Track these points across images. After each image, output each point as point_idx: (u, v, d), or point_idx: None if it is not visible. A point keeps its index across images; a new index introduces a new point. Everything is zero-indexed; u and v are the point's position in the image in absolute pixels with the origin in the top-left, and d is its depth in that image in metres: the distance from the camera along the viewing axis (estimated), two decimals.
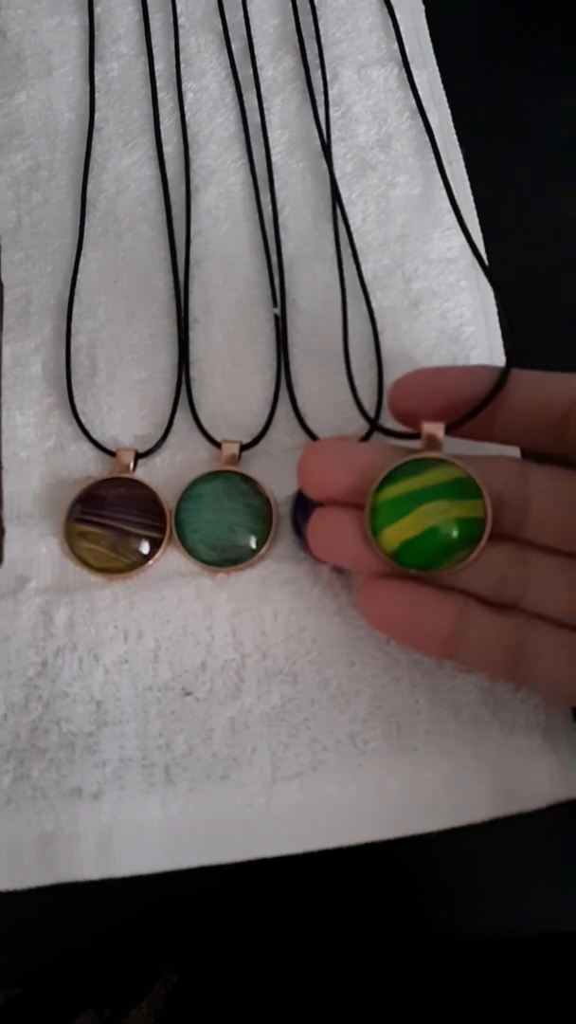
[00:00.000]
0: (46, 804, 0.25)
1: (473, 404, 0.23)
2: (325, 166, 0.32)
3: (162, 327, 0.30)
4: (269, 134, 0.33)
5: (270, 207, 0.32)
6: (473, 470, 0.23)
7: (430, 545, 0.22)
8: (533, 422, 0.23)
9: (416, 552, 0.22)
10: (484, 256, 0.31)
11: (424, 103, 0.33)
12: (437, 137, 0.32)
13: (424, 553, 0.22)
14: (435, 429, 0.23)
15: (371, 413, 0.28)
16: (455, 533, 0.22)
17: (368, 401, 0.29)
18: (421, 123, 0.33)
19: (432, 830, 0.24)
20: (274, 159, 0.33)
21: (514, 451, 0.27)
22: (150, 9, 0.35)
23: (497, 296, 0.29)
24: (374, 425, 0.26)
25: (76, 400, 0.29)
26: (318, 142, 0.33)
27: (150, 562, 0.27)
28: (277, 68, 0.34)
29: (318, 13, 0.35)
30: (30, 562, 0.27)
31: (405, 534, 0.22)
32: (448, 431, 0.23)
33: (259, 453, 0.28)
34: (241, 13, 0.35)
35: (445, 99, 0.34)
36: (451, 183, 0.31)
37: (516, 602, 0.23)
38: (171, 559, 0.27)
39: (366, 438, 0.28)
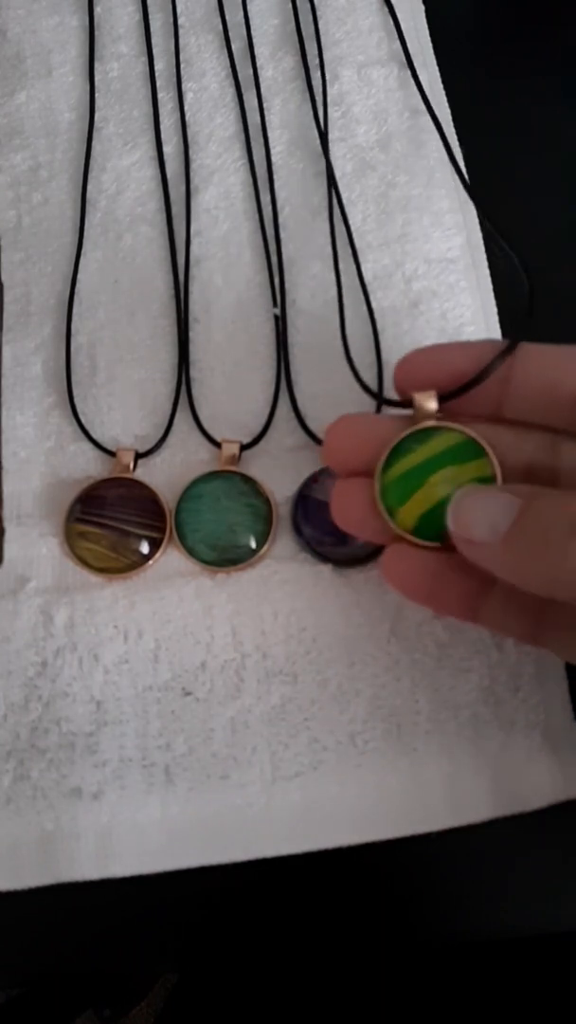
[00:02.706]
0: (46, 804, 0.25)
1: (493, 379, 0.22)
2: (325, 166, 0.32)
3: (162, 327, 0.30)
4: (269, 134, 0.33)
5: (270, 207, 0.32)
6: (492, 437, 0.23)
7: (445, 514, 0.22)
8: (546, 399, 0.22)
9: (434, 524, 0.22)
10: (484, 256, 0.31)
11: (428, 99, 0.33)
12: (438, 137, 0.32)
13: (442, 523, 0.22)
14: (426, 399, 0.23)
15: (372, 409, 0.28)
16: None
17: (368, 401, 0.29)
18: (421, 123, 0.33)
19: (432, 830, 0.24)
20: (274, 159, 0.33)
21: None
22: (150, 9, 0.35)
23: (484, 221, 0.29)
24: (380, 400, 0.26)
25: (76, 400, 0.29)
26: (318, 142, 0.33)
27: (150, 562, 0.27)
28: (277, 68, 0.34)
29: (318, 13, 0.35)
30: (30, 562, 0.27)
31: (419, 509, 0.22)
32: (442, 400, 0.23)
33: (259, 453, 0.28)
34: (241, 13, 0.35)
35: (445, 99, 0.34)
36: (453, 180, 0.32)
37: None
38: (171, 559, 0.27)
39: None
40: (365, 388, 0.26)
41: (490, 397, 0.23)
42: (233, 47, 0.34)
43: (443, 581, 0.23)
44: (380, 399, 0.26)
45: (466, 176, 0.31)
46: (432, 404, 0.23)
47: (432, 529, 0.22)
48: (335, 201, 0.32)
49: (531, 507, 0.19)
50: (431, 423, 0.23)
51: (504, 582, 0.22)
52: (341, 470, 0.24)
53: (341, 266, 0.31)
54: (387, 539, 0.23)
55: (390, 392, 0.28)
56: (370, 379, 0.29)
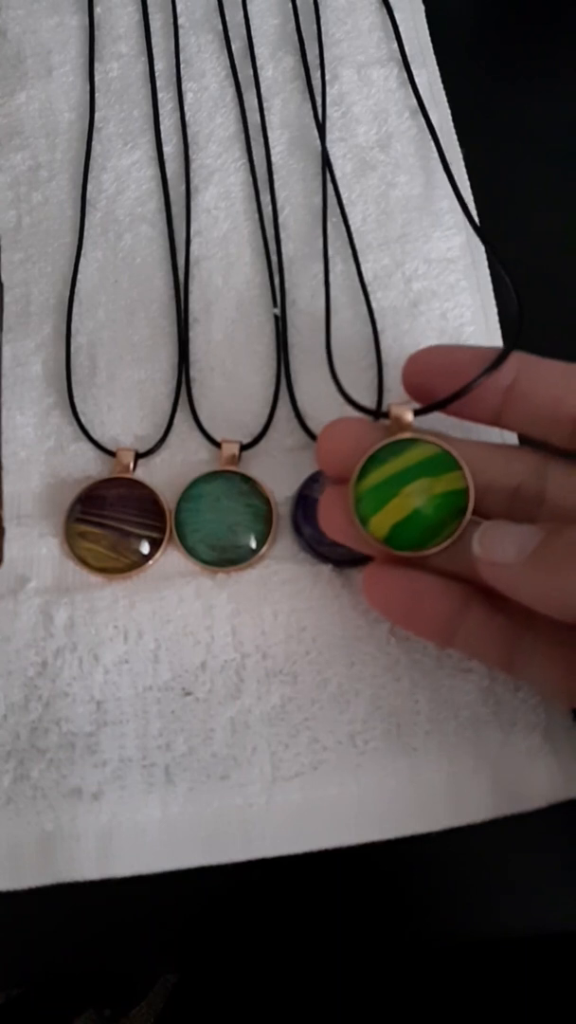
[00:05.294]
0: (46, 804, 0.25)
1: (492, 388, 0.22)
2: (325, 166, 0.32)
3: (162, 327, 0.30)
4: (269, 134, 0.33)
5: (270, 207, 0.32)
6: (482, 458, 0.23)
7: (419, 525, 0.23)
8: (547, 414, 0.22)
9: (406, 534, 0.23)
10: (484, 256, 0.31)
11: (424, 103, 0.33)
12: (438, 137, 0.32)
13: (414, 534, 0.23)
14: (403, 411, 0.23)
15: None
16: (440, 508, 0.23)
17: (368, 401, 0.29)
18: (421, 123, 0.33)
19: (432, 830, 0.24)
20: (274, 159, 0.33)
21: (511, 437, 0.27)
22: (150, 9, 0.35)
23: (493, 254, 0.29)
24: (376, 416, 0.26)
25: (76, 400, 0.29)
26: (318, 142, 0.33)
27: (150, 562, 0.27)
28: (277, 68, 0.34)
29: (318, 13, 0.35)
30: (30, 562, 0.27)
31: (393, 518, 0.23)
32: (417, 413, 0.23)
33: (259, 453, 0.28)
34: (241, 13, 0.35)
35: (445, 99, 0.34)
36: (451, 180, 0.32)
37: None
38: (171, 559, 0.27)
39: (376, 417, 0.27)
40: (347, 399, 0.26)
41: (490, 404, 0.23)
42: (233, 47, 0.34)
43: (420, 601, 0.23)
44: (377, 415, 0.26)
45: (463, 197, 0.31)
46: (408, 416, 0.23)
47: (405, 539, 0.23)
48: (335, 201, 0.32)
49: (556, 532, 0.20)
50: (408, 434, 0.23)
51: (480, 609, 0.23)
52: (333, 475, 0.24)
53: (341, 267, 0.31)
54: (370, 548, 0.24)
55: (392, 391, 0.29)
56: (370, 379, 0.29)
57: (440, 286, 0.30)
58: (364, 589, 0.24)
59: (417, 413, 0.23)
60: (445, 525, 0.23)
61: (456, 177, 0.32)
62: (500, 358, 0.22)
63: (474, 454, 0.23)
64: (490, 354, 0.23)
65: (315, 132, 0.33)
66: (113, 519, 0.27)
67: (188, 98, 0.34)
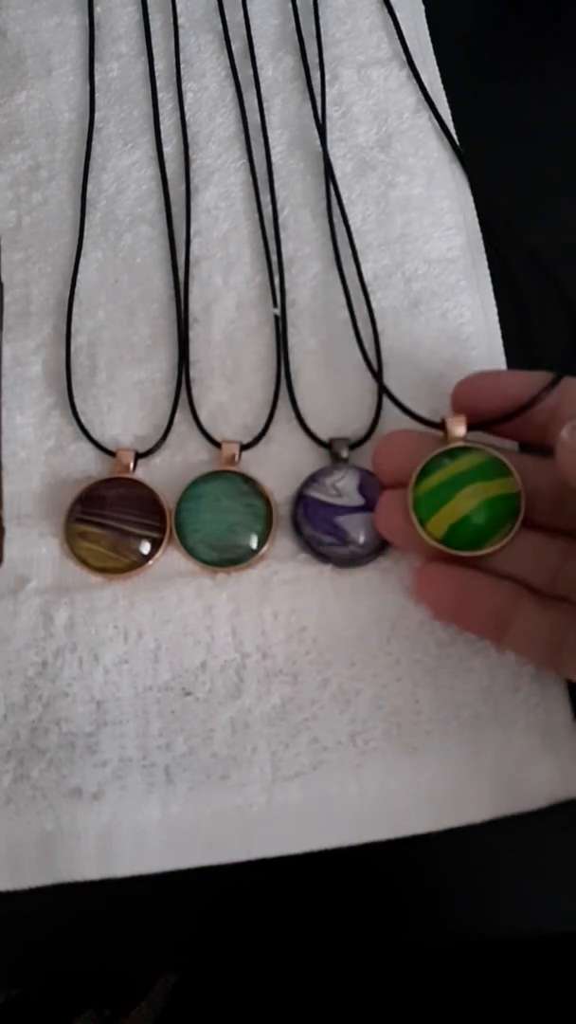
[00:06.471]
0: (46, 804, 0.25)
1: (542, 408, 0.24)
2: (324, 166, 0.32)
3: (162, 327, 0.30)
4: (269, 134, 0.33)
5: (270, 207, 0.32)
6: (527, 466, 0.24)
7: (474, 525, 0.24)
8: None
9: (462, 534, 0.24)
10: (483, 253, 0.31)
11: (431, 99, 0.33)
12: (438, 137, 0.32)
13: (470, 534, 0.24)
14: (457, 424, 0.25)
15: (372, 414, 0.28)
16: (494, 510, 0.24)
17: (368, 402, 0.29)
18: (421, 123, 0.33)
19: (432, 830, 0.24)
20: (274, 159, 0.33)
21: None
22: (150, 9, 0.35)
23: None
24: (382, 387, 0.28)
25: (76, 400, 0.29)
26: (318, 142, 0.33)
27: (150, 562, 0.27)
28: (277, 68, 0.34)
29: (318, 13, 0.35)
30: (30, 562, 0.27)
31: (449, 519, 0.24)
32: (472, 429, 0.25)
33: (259, 453, 0.28)
34: (241, 13, 0.35)
35: (445, 99, 0.34)
36: (453, 180, 0.32)
37: (568, 595, 0.23)
38: (171, 559, 0.27)
39: (376, 417, 0.28)
40: (402, 408, 0.27)
41: (538, 423, 0.24)
42: (233, 47, 0.34)
43: (471, 599, 0.24)
44: (401, 405, 0.27)
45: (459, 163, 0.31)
46: (461, 429, 0.25)
47: (460, 539, 0.24)
48: (336, 201, 0.32)
49: None
50: (461, 443, 0.25)
51: (531, 607, 0.23)
52: (389, 481, 0.26)
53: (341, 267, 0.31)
54: (425, 550, 0.25)
55: (393, 388, 0.29)
56: (370, 380, 0.29)
57: (440, 286, 0.30)
58: (416, 585, 0.25)
59: (471, 429, 0.25)
60: (499, 527, 0.24)
61: (457, 177, 0.32)
62: (555, 381, 0.24)
63: (521, 464, 0.24)
64: (536, 379, 0.24)
65: (315, 132, 0.33)
66: (113, 519, 0.27)
67: (188, 98, 0.34)
